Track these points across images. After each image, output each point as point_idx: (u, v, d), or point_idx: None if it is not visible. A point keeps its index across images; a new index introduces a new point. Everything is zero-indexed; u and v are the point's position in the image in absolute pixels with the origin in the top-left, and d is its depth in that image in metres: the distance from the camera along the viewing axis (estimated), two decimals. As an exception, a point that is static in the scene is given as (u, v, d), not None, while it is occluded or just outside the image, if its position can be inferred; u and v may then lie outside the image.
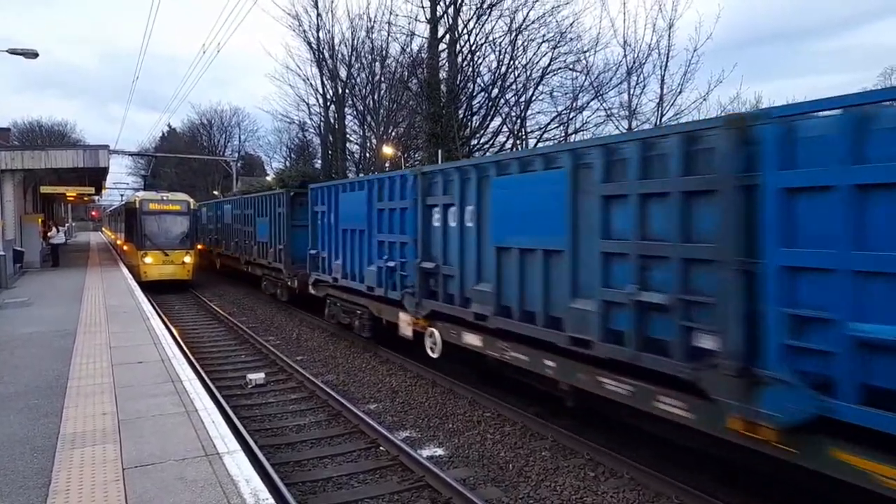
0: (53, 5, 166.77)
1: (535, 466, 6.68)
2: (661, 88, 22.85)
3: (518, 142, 28.62)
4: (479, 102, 30.05)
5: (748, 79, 74.87)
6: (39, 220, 27.02)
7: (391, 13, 30.97)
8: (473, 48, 28.98)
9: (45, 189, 28.70)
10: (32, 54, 19.46)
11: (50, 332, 10.62)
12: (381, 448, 7.23)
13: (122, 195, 63.20)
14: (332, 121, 36.62)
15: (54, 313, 12.78)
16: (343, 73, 34.84)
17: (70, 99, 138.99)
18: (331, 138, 36.87)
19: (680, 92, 22.71)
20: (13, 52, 19.28)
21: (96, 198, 54.18)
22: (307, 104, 39.06)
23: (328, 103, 36.46)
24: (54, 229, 29.27)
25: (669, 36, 22.37)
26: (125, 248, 26.95)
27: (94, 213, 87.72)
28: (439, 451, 7.22)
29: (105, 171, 25.78)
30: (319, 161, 41.00)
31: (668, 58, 22.51)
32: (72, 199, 38.72)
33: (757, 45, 65.44)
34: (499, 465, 6.78)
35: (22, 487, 4.54)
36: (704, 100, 22.15)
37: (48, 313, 12.85)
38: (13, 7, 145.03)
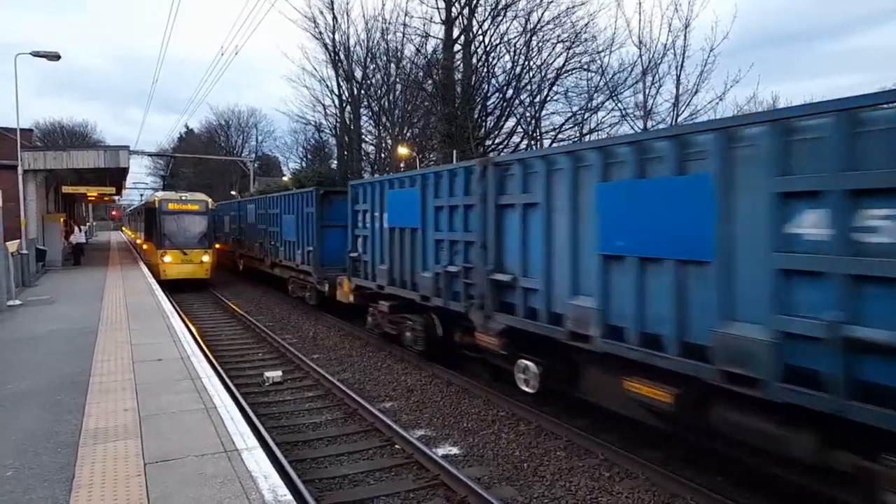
0: (70, 11, 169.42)
1: (550, 466, 6.69)
2: (677, 88, 22.77)
3: (532, 142, 28.61)
4: (493, 103, 30.08)
5: (765, 79, 73.96)
6: (61, 220, 27.47)
7: (406, 15, 31.12)
8: (488, 49, 29.01)
9: (66, 189, 29.23)
10: (54, 56, 19.78)
11: (72, 330, 10.83)
12: (397, 446, 7.28)
13: (141, 195, 64.24)
14: (347, 121, 36.85)
15: (76, 311, 13.02)
16: (358, 74, 35.08)
17: (88, 101, 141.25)
18: (346, 139, 37.09)
19: (696, 92, 22.64)
20: (36, 54, 19.62)
21: (116, 198, 55.00)
22: (323, 105, 39.40)
23: (344, 104, 36.70)
24: (76, 229, 29.77)
25: (685, 36, 22.30)
26: (145, 247, 27.29)
27: (114, 212, 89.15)
28: (454, 450, 7.25)
29: (125, 171, 26.18)
30: (335, 161, 41.29)
31: (683, 57, 22.43)
32: (93, 198, 39.36)
33: (773, 45, 64.54)
34: (513, 464, 6.79)
35: (47, 481, 4.66)
36: (721, 100, 22.07)
37: (70, 311, 13.09)
38: (32, 12, 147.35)
